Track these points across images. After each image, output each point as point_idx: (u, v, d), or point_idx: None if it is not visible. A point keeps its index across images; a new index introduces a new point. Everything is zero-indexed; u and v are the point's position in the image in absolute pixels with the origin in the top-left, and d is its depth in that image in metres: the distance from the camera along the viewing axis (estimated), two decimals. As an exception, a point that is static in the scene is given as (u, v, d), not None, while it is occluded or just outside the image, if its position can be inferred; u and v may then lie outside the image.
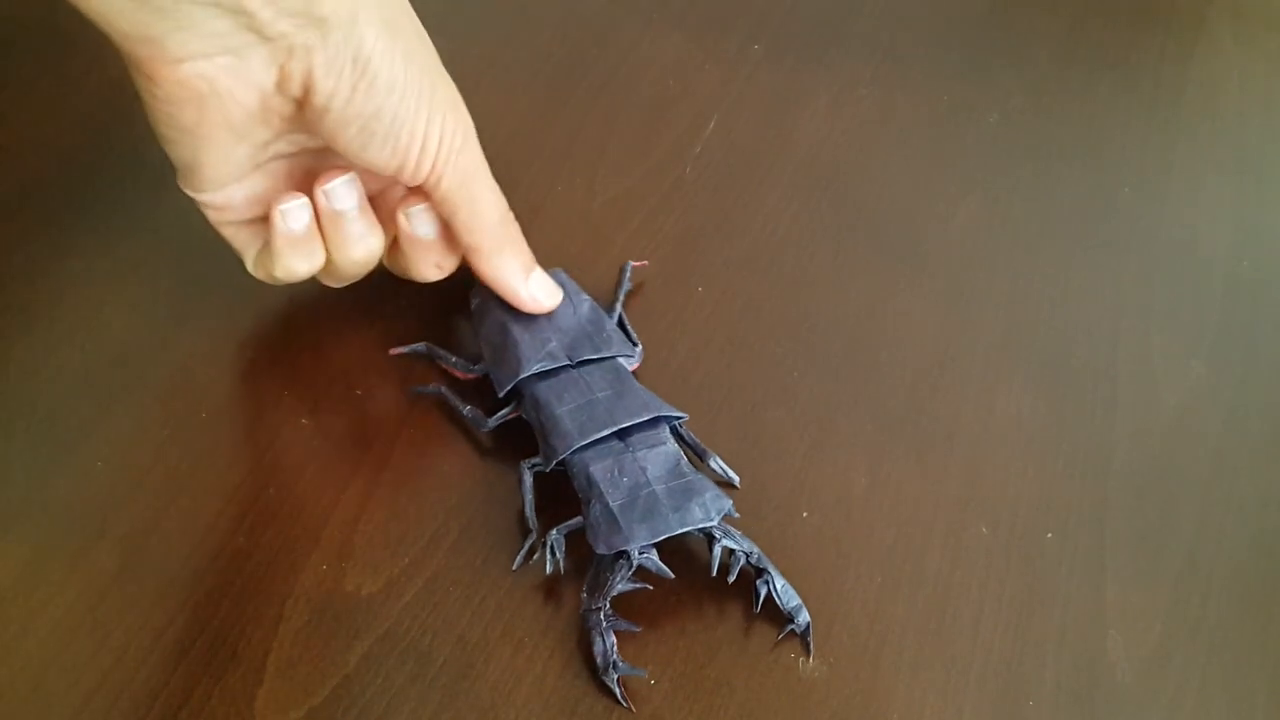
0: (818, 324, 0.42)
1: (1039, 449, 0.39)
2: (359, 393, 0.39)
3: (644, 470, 0.34)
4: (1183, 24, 0.54)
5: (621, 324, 0.40)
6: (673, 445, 0.35)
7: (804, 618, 0.33)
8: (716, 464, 0.37)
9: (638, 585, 0.33)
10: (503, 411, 0.37)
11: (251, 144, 0.33)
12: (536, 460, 0.36)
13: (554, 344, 0.37)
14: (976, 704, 0.33)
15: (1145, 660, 0.34)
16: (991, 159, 0.48)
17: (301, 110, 0.32)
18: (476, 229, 0.36)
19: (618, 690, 0.32)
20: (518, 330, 0.37)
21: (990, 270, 0.44)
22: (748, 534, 0.34)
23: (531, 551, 0.35)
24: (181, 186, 0.35)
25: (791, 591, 0.34)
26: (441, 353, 0.39)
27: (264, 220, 0.36)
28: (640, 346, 0.40)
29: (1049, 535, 0.37)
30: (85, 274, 0.42)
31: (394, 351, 0.40)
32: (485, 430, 0.37)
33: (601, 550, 0.33)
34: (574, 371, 0.37)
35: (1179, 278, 0.44)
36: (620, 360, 0.38)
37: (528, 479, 0.36)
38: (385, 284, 0.42)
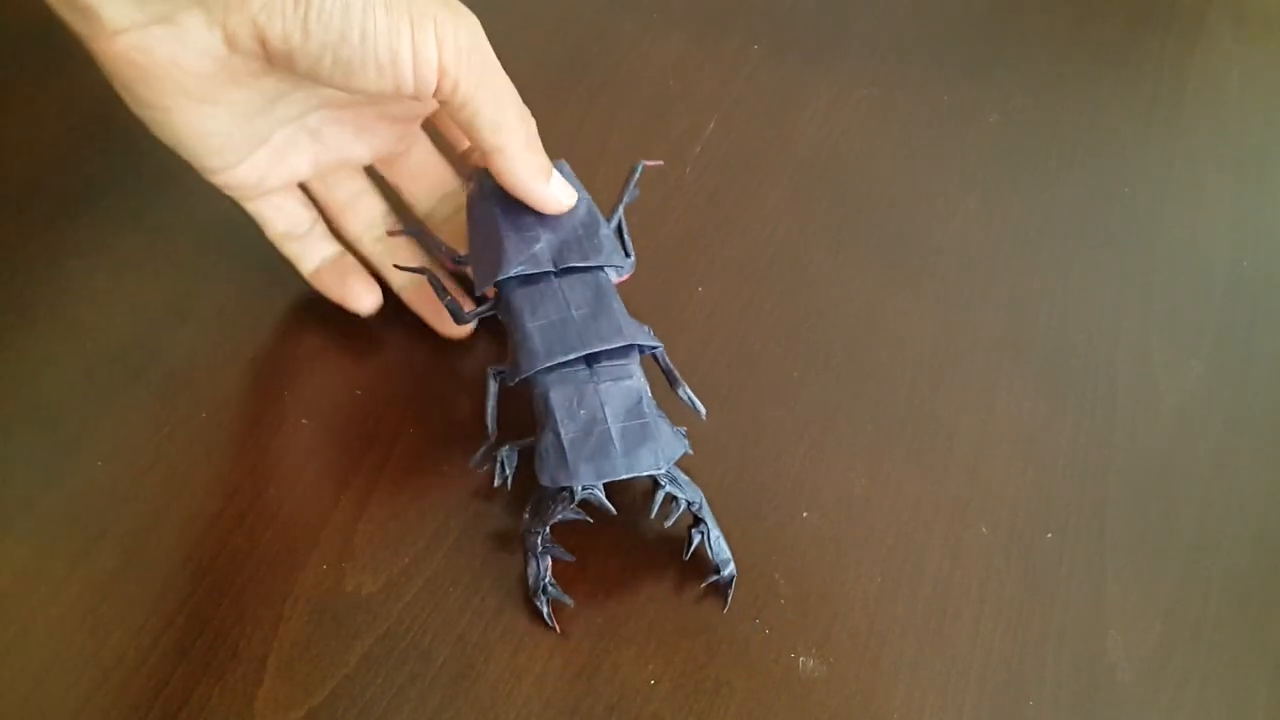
0: (818, 324, 0.42)
1: (1039, 449, 0.39)
2: (359, 393, 0.39)
3: (603, 405, 0.33)
4: (1183, 24, 0.54)
5: (619, 230, 0.39)
6: (639, 380, 0.34)
7: (730, 571, 0.34)
8: (685, 393, 0.36)
9: (579, 517, 0.33)
10: (481, 308, 0.37)
11: (233, 111, 0.32)
12: (503, 368, 0.36)
13: (540, 246, 0.36)
14: (976, 704, 0.33)
15: (1145, 660, 0.34)
16: (991, 159, 0.48)
17: (271, 63, 0.30)
18: (503, 128, 0.33)
19: (545, 611, 0.33)
20: (506, 226, 0.36)
21: (990, 270, 0.44)
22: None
23: (488, 456, 0.35)
24: (199, 172, 0.34)
25: (724, 545, 0.34)
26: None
27: (290, 193, 0.36)
28: (633, 258, 0.38)
29: (1049, 535, 0.37)
30: (85, 274, 0.42)
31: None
32: (462, 324, 0.37)
33: (545, 483, 0.33)
34: (555, 281, 0.35)
35: (1179, 278, 0.44)
36: (606, 272, 0.36)
37: (492, 385, 0.36)
38: (383, 282, 0.42)
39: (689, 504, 0.34)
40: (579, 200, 0.37)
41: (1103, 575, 0.36)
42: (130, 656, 0.33)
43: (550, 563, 0.33)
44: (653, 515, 0.34)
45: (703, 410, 0.37)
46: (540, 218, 0.36)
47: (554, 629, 0.33)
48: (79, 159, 0.45)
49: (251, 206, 0.37)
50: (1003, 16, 0.54)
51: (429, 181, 0.40)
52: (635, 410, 0.33)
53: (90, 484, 0.36)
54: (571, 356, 0.34)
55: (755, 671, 0.33)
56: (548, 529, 0.33)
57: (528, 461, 0.35)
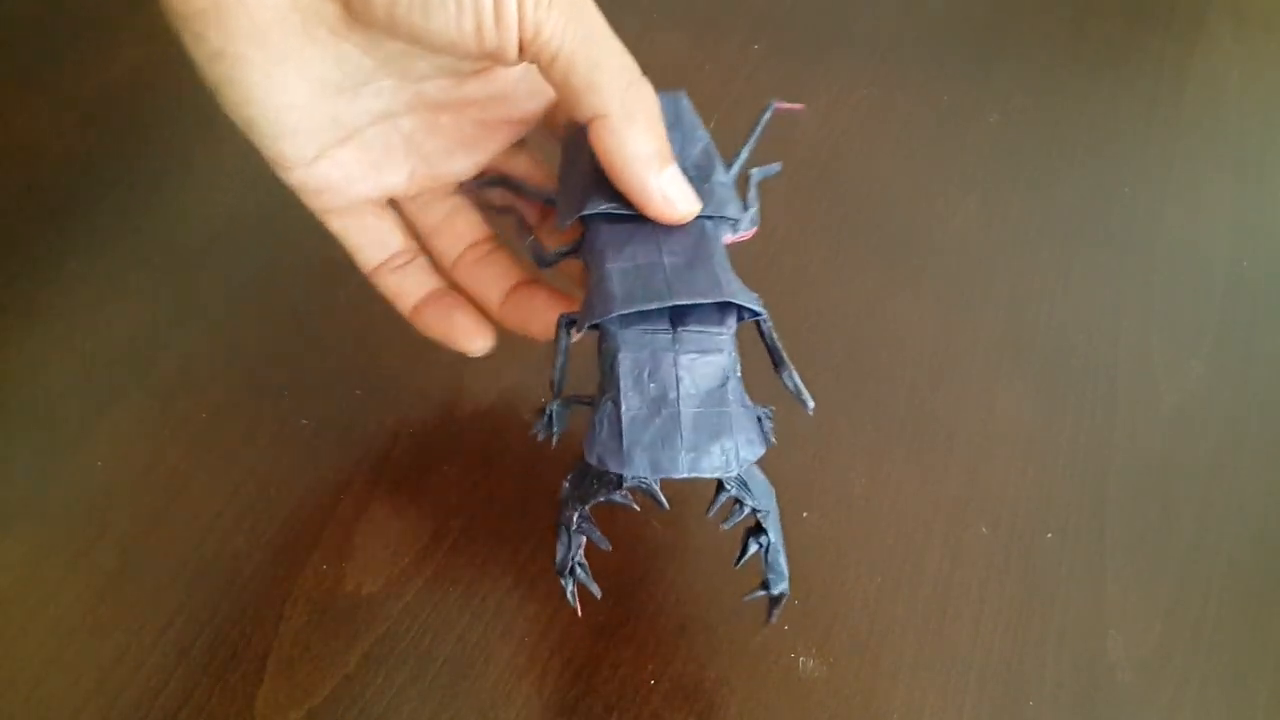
0: (818, 324, 0.42)
1: (1039, 449, 0.39)
2: (359, 393, 0.39)
3: (679, 381, 0.27)
4: (1183, 24, 0.54)
5: (741, 183, 0.33)
6: (729, 355, 0.28)
7: (782, 589, 0.30)
8: (791, 380, 0.30)
9: (624, 502, 0.28)
10: (564, 247, 0.32)
11: (310, 80, 0.28)
12: (576, 314, 0.30)
13: None
14: (976, 704, 0.33)
15: (1145, 660, 0.34)
16: (991, 159, 0.48)
17: (350, 9, 0.27)
18: (599, 89, 0.27)
19: (569, 590, 0.30)
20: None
21: (990, 270, 0.44)
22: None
23: (541, 412, 0.31)
24: (276, 171, 0.30)
25: (783, 561, 0.30)
26: (518, 181, 0.34)
27: (382, 213, 0.32)
28: (754, 212, 0.32)
29: (1049, 535, 0.37)
30: (85, 274, 0.42)
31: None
32: (546, 265, 0.32)
33: (591, 460, 0.28)
34: (650, 224, 0.29)
35: (1179, 278, 0.44)
36: (714, 223, 0.30)
37: (564, 337, 0.30)
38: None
39: (755, 510, 0.29)
40: (697, 140, 0.31)
41: (1103, 575, 0.36)
42: (130, 656, 0.33)
43: (584, 542, 0.29)
44: (710, 513, 0.28)
45: (810, 404, 0.30)
46: None
47: (575, 610, 0.30)
48: (79, 159, 0.45)
49: (337, 224, 0.33)
50: (1003, 16, 0.54)
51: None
52: (716, 394, 0.28)
53: (90, 484, 0.36)
54: (655, 305, 0.27)
55: (755, 671, 0.33)
56: (586, 507, 0.29)
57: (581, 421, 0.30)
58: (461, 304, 0.34)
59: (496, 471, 0.37)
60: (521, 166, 0.35)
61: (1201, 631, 0.35)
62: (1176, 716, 0.33)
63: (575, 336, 0.30)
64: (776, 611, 0.32)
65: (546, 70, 0.27)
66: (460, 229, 0.35)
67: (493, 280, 0.34)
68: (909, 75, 0.51)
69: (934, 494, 0.37)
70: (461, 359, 0.40)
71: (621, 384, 0.27)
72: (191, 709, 0.32)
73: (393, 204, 0.34)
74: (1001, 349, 0.41)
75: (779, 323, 0.41)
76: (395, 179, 0.32)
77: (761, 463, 0.35)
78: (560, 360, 0.30)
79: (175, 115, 0.47)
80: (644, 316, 0.28)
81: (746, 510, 0.29)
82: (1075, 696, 0.33)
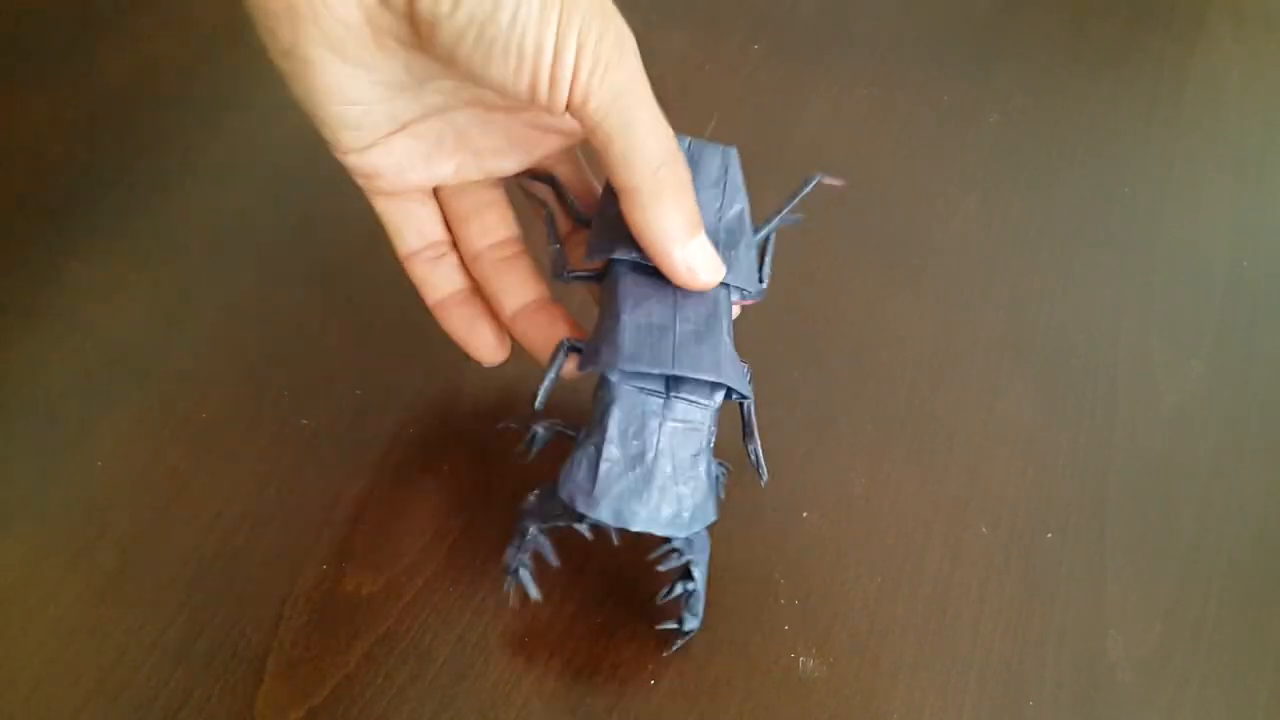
0: (818, 324, 0.42)
1: (1039, 449, 0.39)
2: (359, 393, 0.39)
3: (658, 445, 0.30)
4: (1183, 24, 0.54)
5: (762, 248, 0.35)
6: (708, 429, 0.30)
7: (692, 626, 0.32)
8: (754, 451, 0.33)
9: (580, 532, 0.31)
10: (584, 272, 0.33)
11: (375, 79, 0.29)
12: (579, 342, 0.32)
13: None
14: (976, 704, 0.33)
15: (1145, 660, 0.34)
16: (991, 159, 0.48)
17: (414, 31, 0.27)
18: (633, 166, 0.29)
19: (508, 587, 0.32)
20: None
21: (990, 270, 0.44)
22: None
23: (524, 425, 0.33)
24: (332, 150, 0.31)
25: (700, 606, 0.32)
26: (564, 189, 0.35)
27: (427, 200, 0.33)
28: (765, 285, 0.34)
29: (1049, 535, 0.37)
30: (85, 274, 0.42)
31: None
32: (561, 280, 0.33)
33: (562, 495, 0.30)
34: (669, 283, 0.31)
35: (1179, 278, 0.44)
36: (727, 293, 0.32)
37: (560, 358, 0.32)
38: (384, 283, 0.42)
39: (689, 560, 0.31)
40: (734, 203, 0.33)
41: (1103, 575, 0.36)
42: (130, 656, 0.33)
43: (533, 551, 0.32)
44: (650, 557, 0.31)
45: (765, 477, 0.34)
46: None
47: (510, 601, 0.33)
48: (79, 159, 0.45)
49: (381, 204, 0.34)
50: (1003, 16, 0.54)
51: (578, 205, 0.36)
52: (689, 463, 0.30)
53: (90, 484, 0.36)
54: (657, 371, 0.30)
55: (755, 671, 0.33)
56: (546, 525, 0.31)
57: (556, 448, 0.32)
58: (485, 314, 0.35)
59: (496, 471, 0.37)
60: (566, 173, 0.35)
61: (1201, 631, 0.35)
62: (1176, 716, 0.33)
63: (569, 366, 0.32)
64: (679, 644, 0.33)
65: (588, 132, 0.29)
66: (490, 222, 0.35)
67: (512, 288, 0.35)
68: (909, 75, 0.51)
69: (934, 494, 0.37)
70: (461, 359, 0.40)
71: (608, 433, 0.30)
72: (191, 709, 0.32)
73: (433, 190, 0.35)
74: (1001, 349, 0.41)
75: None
76: (443, 170, 0.33)
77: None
78: (549, 381, 0.32)
79: (175, 116, 0.47)
80: (643, 374, 0.30)
81: (683, 559, 0.31)
82: (1075, 696, 0.33)
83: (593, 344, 0.31)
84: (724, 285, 0.32)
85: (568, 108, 0.28)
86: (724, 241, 0.32)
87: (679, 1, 0.53)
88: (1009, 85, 0.51)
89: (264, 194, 0.45)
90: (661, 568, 0.31)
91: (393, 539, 0.35)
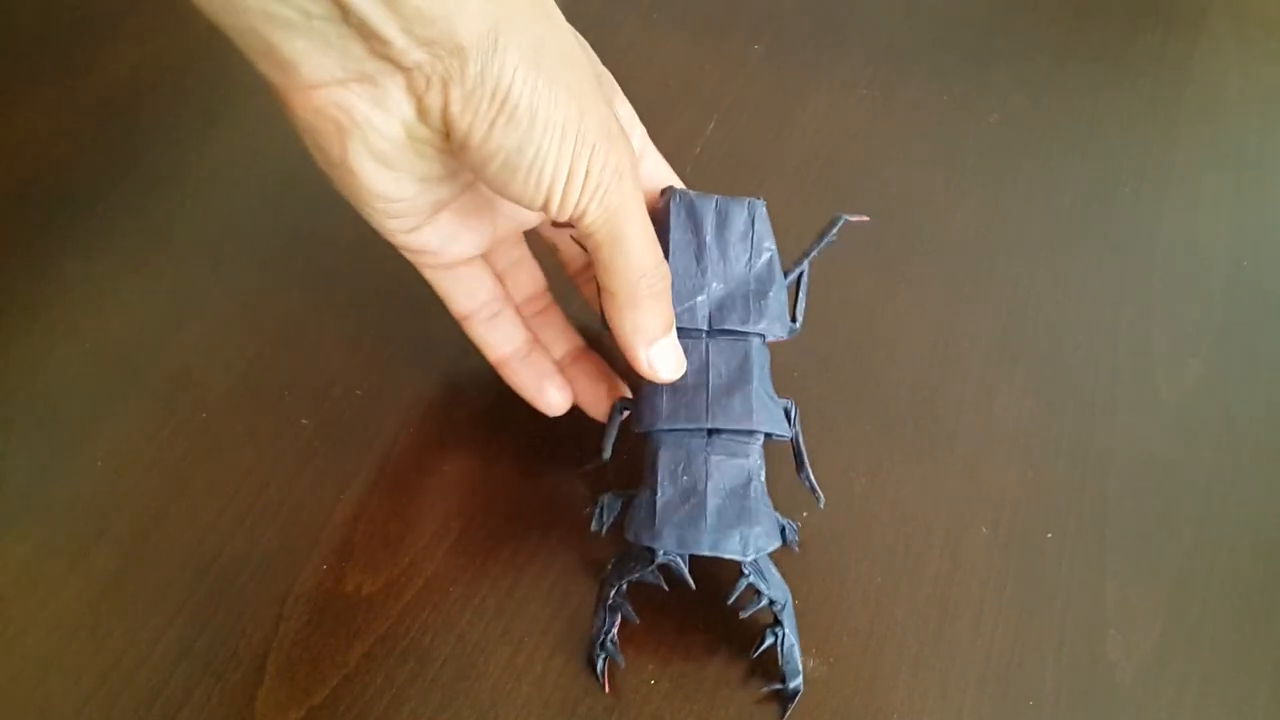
0: (818, 324, 0.42)
1: (1039, 449, 0.39)
2: (359, 393, 0.39)
3: (708, 477, 0.32)
4: (1183, 24, 0.54)
5: (795, 287, 0.36)
6: (755, 460, 0.33)
7: (797, 685, 0.33)
8: (807, 478, 0.35)
9: (655, 581, 0.32)
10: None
11: (414, 177, 0.31)
12: (629, 401, 0.35)
13: (702, 299, 0.34)
14: (976, 704, 0.33)
15: (1145, 660, 0.34)
16: (991, 159, 0.48)
17: (449, 142, 0.30)
18: (616, 274, 0.32)
19: (600, 666, 0.33)
20: (674, 259, 0.34)
21: (990, 270, 0.44)
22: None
23: (593, 501, 0.35)
24: (383, 234, 0.34)
25: (797, 656, 0.32)
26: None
27: (474, 266, 0.36)
28: (799, 325, 0.36)
29: (1049, 535, 0.37)
30: (85, 274, 0.42)
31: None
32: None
33: (629, 538, 0.32)
34: (704, 340, 0.34)
35: (1179, 278, 0.44)
36: (759, 343, 0.34)
37: (616, 418, 0.35)
38: (384, 283, 0.42)
39: (771, 602, 0.32)
40: (763, 252, 0.35)
41: (1103, 575, 0.36)
42: (130, 656, 0.33)
43: (618, 620, 0.33)
44: (730, 601, 0.32)
45: (822, 500, 0.36)
46: (718, 256, 0.34)
47: (603, 688, 0.33)
48: (79, 159, 0.45)
49: (429, 275, 0.36)
50: (1003, 16, 0.54)
51: (577, 245, 0.38)
52: (739, 491, 0.32)
53: (90, 484, 0.36)
54: (693, 427, 0.33)
55: (755, 671, 0.33)
56: (624, 585, 0.32)
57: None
58: (549, 370, 0.37)
59: (496, 471, 0.37)
60: None
61: (1201, 631, 0.35)
62: (1176, 716, 0.33)
63: (622, 418, 0.35)
64: (792, 707, 0.33)
65: (582, 238, 0.32)
66: (522, 280, 0.38)
67: (552, 340, 0.38)
68: (909, 75, 0.51)
69: (934, 494, 0.37)
70: (461, 359, 0.40)
71: (659, 475, 0.32)
72: (191, 709, 0.32)
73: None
74: (1001, 349, 0.41)
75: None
76: (482, 237, 0.35)
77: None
78: (611, 435, 0.35)
79: (175, 116, 0.47)
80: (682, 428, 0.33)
81: (764, 601, 0.32)
82: (1075, 696, 0.33)
83: (638, 405, 0.34)
84: (756, 337, 0.34)
85: (569, 219, 0.31)
86: (755, 291, 0.34)
87: (679, 1, 0.53)
88: (1009, 85, 0.51)
89: (264, 194, 0.45)
90: (744, 613, 0.32)
91: (393, 539, 0.35)
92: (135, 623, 0.33)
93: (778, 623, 0.32)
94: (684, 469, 0.32)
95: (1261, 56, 0.53)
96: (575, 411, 0.37)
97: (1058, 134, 0.49)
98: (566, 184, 0.30)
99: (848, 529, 0.36)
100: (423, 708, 0.32)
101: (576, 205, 0.30)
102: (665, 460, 0.32)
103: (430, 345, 0.40)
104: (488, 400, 0.39)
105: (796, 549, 0.35)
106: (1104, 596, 0.35)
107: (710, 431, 0.33)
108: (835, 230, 0.37)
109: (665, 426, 0.33)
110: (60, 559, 0.35)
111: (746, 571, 0.32)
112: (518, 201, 0.31)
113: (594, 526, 0.34)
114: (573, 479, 0.37)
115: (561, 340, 0.38)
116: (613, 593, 0.32)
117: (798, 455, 0.35)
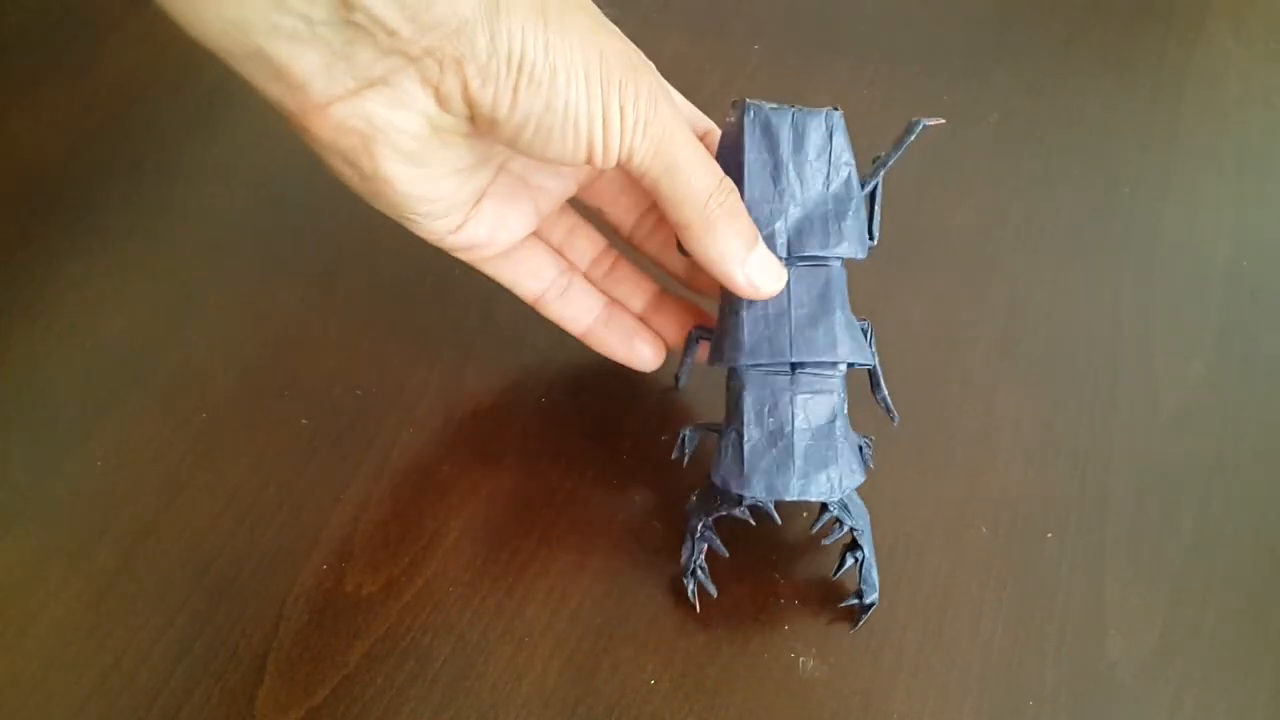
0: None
1: (1039, 449, 0.39)
2: (359, 393, 0.39)
3: (794, 417, 0.32)
4: (1183, 24, 0.54)
5: (870, 202, 0.34)
6: (839, 394, 0.32)
7: (873, 598, 0.33)
8: (883, 398, 0.35)
9: (743, 517, 0.33)
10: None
11: (447, 170, 0.31)
12: (707, 331, 0.35)
13: (780, 225, 0.33)
14: (976, 704, 0.33)
15: (1145, 660, 0.34)
16: (991, 159, 0.48)
17: (474, 127, 0.30)
18: (682, 204, 0.31)
19: (690, 589, 0.34)
20: (750, 183, 0.33)
21: (990, 270, 0.44)
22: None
23: (681, 440, 0.35)
24: (430, 240, 0.33)
25: (874, 574, 0.34)
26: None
27: (529, 247, 0.35)
28: (875, 241, 0.34)
29: (1049, 535, 0.37)
30: (85, 274, 0.42)
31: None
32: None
33: (716, 481, 0.32)
34: (784, 269, 0.33)
35: (1179, 278, 0.44)
36: (838, 266, 0.33)
37: (693, 349, 0.35)
38: (384, 283, 0.42)
39: (852, 529, 0.33)
40: (843, 167, 0.33)
41: (1103, 575, 0.36)
42: (130, 656, 0.33)
43: (705, 549, 0.34)
44: (813, 530, 0.33)
45: (896, 418, 0.36)
46: (794, 176, 0.33)
47: (694, 607, 0.34)
48: (79, 159, 0.45)
49: (491, 269, 0.35)
50: (1003, 16, 0.54)
51: (630, 198, 0.37)
52: (825, 430, 0.32)
53: (90, 484, 0.36)
54: (777, 361, 0.32)
55: (755, 671, 0.33)
56: (710, 519, 0.33)
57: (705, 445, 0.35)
58: (636, 327, 0.37)
59: (496, 471, 0.37)
60: (614, 173, 0.36)
61: (1201, 631, 0.35)
62: (1176, 716, 0.33)
63: (701, 353, 0.35)
64: (864, 618, 0.34)
65: (637, 180, 0.31)
66: (582, 245, 0.38)
67: (629, 294, 0.38)
68: (909, 75, 0.51)
69: (934, 494, 0.37)
70: (462, 359, 0.40)
71: (745, 416, 0.32)
72: (191, 709, 0.32)
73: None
74: (1001, 349, 0.41)
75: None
76: (527, 216, 0.35)
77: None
78: (686, 365, 0.35)
79: (174, 116, 0.47)
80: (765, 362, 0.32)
81: (845, 529, 0.33)
82: (1075, 696, 0.33)
83: (718, 339, 0.33)
84: (836, 260, 0.33)
85: (617, 164, 0.30)
86: (833, 211, 0.33)
87: (679, 1, 0.53)
88: (1009, 85, 0.51)
89: (264, 194, 0.45)
90: (826, 541, 0.33)
91: (393, 539, 0.35)
92: (135, 623, 0.33)
93: (857, 546, 0.33)
94: (770, 410, 0.32)
95: (1261, 56, 0.53)
96: (576, 406, 0.37)
97: (1058, 134, 0.49)
98: (604, 129, 0.29)
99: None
100: (423, 708, 0.32)
101: (621, 146, 0.30)
102: (750, 401, 0.32)
103: (430, 345, 0.40)
104: (488, 400, 0.39)
105: (872, 465, 0.35)
106: (1104, 596, 0.35)
107: (794, 367, 0.32)
108: (914, 136, 0.34)
109: (748, 362, 0.32)
110: (60, 559, 0.35)
111: (831, 506, 0.32)
112: (560, 162, 0.30)
113: (674, 455, 0.35)
114: (574, 479, 0.37)
115: (638, 293, 0.38)
116: (700, 525, 0.33)
117: (874, 378, 0.35)
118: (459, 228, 0.33)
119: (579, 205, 0.37)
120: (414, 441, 0.38)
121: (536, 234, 0.36)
